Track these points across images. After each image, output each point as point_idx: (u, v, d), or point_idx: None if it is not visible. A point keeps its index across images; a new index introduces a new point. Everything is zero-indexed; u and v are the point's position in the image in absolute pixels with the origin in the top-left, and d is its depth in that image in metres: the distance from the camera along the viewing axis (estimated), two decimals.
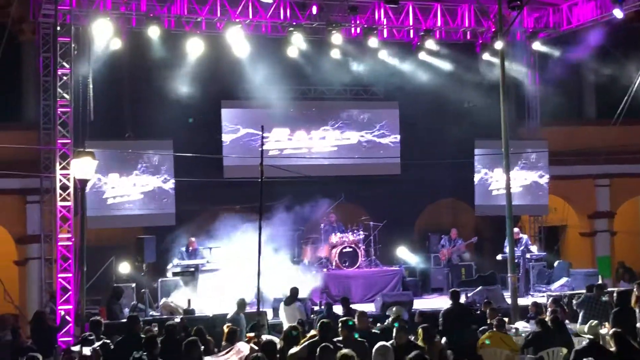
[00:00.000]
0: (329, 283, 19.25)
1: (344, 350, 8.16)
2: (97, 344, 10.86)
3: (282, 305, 15.59)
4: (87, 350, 10.42)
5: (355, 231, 20.37)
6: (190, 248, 18.08)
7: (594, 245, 23.46)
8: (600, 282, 17.38)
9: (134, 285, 18.29)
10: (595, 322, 12.47)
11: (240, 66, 19.64)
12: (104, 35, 17.67)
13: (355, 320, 11.95)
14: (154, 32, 17.90)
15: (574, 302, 14.80)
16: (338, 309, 15.03)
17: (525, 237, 20.41)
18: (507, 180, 16.03)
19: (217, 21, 18.72)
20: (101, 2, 17.61)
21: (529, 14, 21.02)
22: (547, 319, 12.39)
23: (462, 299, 17.73)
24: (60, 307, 16.00)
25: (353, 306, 14.93)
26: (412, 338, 10.81)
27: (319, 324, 11.25)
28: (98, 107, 17.22)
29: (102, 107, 17.83)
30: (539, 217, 22.89)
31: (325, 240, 20.35)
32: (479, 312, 14.78)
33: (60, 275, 16.18)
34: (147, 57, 18.96)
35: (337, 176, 20.70)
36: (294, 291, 15.62)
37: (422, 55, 20.67)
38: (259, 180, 11.93)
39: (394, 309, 14.83)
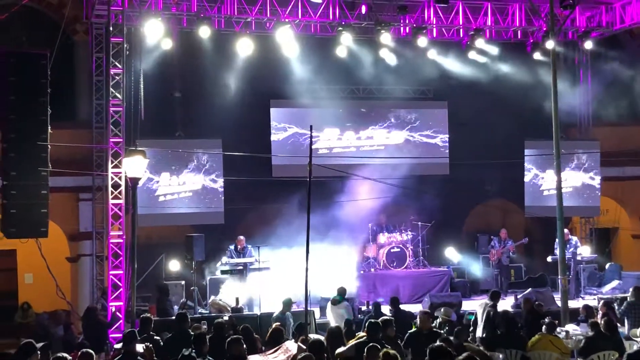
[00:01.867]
0: (376, 283, 19.24)
1: (388, 350, 8.14)
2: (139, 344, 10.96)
3: (329, 304, 15.61)
4: (139, 347, 10.54)
5: (403, 231, 20.31)
6: (239, 246, 18.19)
7: None
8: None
9: (183, 282, 18.49)
10: None
11: (289, 66, 19.71)
12: (155, 36, 17.89)
13: (418, 320, 11.96)
14: (204, 32, 18.07)
15: (617, 308, 14.48)
16: (386, 309, 14.98)
17: (575, 238, 20.12)
18: (558, 181, 15.81)
19: (267, 21, 18.82)
20: (152, 2, 17.84)
21: (581, 12, 20.71)
22: (599, 322, 12.19)
23: (512, 301, 17.64)
24: (111, 304, 16.25)
25: (401, 306, 14.89)
26: None
27: (367, 324, 11.27)
28: (149, 107, 17.44)
29: (153, 106, 18.05)
30: (590, 218, 22.56)
31: (373, 240, 20.32)
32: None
33: (111, 272, 16.43)
34: (198, 56, 19.16)
35: (386, 176, 20.60)
36: (342, 291, 15.64)
37: (472, 55, 20.50)
38: (307, 179, 11.96)
39: (442, 310, 14.74)
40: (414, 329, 11.97)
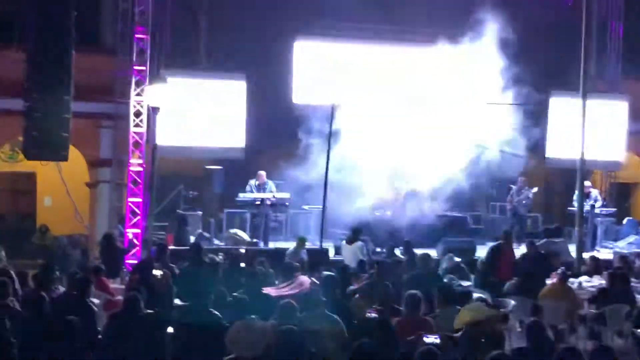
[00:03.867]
0: (392, 225, 19.24)
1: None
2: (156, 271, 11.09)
3: (343, 243, 15.66)
4: (157, 272, 10.69)
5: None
6: (258, 182, 18.13)
7: None
8: None
9: (200, 214, 18.60)
10: None
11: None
12: None
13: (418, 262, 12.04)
14: None
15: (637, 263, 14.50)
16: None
17: (595, 191, 19.99)
18: (582, 134, 15.67)
19: None
20: None
21: None
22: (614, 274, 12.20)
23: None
24: (128, 230, 16.42)
25: (415, 250, 14.93)
26: None
27: (377, 264, 11.39)
28: (175, 36, 17.32)
29: (179, 36, 17.90)
30: (612, 172, 22.38)
31: (390, 182, 20.25)
32: None
33: (130, 199, 16.56)
34: None
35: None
36: (357, 230, 15.64)
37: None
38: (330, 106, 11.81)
39: (447, 256, 14.79)
40: None
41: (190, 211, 18.48)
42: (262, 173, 18.25)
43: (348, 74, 20.69)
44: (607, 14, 21.63)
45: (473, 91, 19.91)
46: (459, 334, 7.83)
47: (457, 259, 14.58)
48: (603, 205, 20.16)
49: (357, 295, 10.66)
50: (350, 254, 15.08)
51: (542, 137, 20.93)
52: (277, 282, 11.93)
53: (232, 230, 18.09)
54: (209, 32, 19.88)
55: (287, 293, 10.66)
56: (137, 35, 16.68)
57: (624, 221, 20.61)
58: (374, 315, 8.95)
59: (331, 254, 16.79)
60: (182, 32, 18.33)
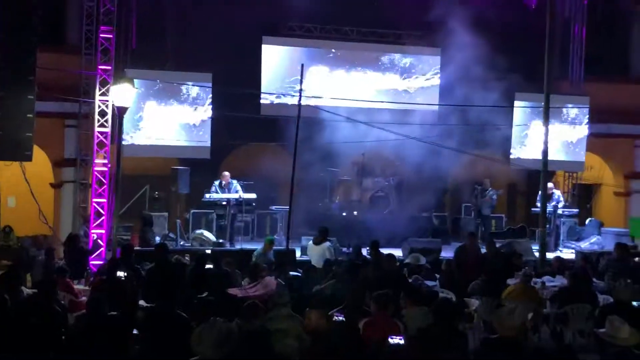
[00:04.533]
0: (359, 225, 19.34)
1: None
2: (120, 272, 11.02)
3: (310, 244, 15.67)
4: (122, 273, 10.62)
5: (388, 176, 20.34)
6: (224, 182, 18.12)
7: (628, 206, 23.23)
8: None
9: (166, 214, 18.54)
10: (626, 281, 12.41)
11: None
12: None
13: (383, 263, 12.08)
14: None
15: (601, 262, 14.69)
16: (366, 253, 15.09)
17: (558, 192, 20.27)
18: (545, 134, 15.87)
19: None
20: None
21: None
22: (576, 274, 12.35)
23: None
24: (93, 231, 16.30)
25: (381, 250, 14.99)
26: None
27: (344, 265, 11.41)
28: (140, 36, 17.22)
29: (145, 35, 17.80)
30: (574, 173, 22.69)
31: (358, 183, 20.38)
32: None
33: (94, 199, 16.45)
34: None
35: (373, 120, 20.53)
36: (324, 231, 15.65)
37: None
38: (296, 118, 11.95)
39: (411, 256, 14.88)
40: None
41: (156, 212, 18.40)
42: (226, 173, 18.25)
43: (315, 75, 20.84)
44: (570, 17, 21.91)
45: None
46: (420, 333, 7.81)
47: (423, 259, 14.66)
48: (566, 206, 20.49)
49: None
50: (317, 255, 15.08)
51: (507, 138, 21.17)
52: (243, 283, 11.93)
53: (199, 231, 18.07)
54: (174, 32, 19.79)
55: (253, 294, 10.66)
56: (102, 35, 16.57)
57: (587, 222, 20.89)
58: (340, 317, 8.96)
59: (298, 254, 16.81)
60: (147, 31, 18.21)
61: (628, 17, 22.16)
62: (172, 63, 19.41)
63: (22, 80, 13.82)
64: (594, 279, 13.15)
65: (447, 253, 17.15)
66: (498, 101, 19.88)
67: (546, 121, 15.87)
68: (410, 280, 12.25)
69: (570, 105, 21.43)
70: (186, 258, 13.65)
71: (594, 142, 22.02)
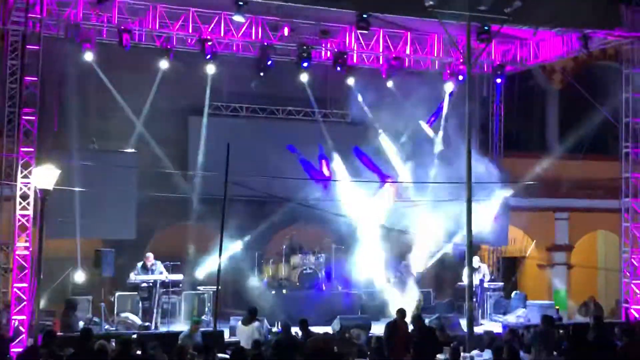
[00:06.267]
0: (288, 304, 19.21)
1: None
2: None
3: (239, 324, 15.48)
4: None
5: (316, 253, 20.39)
6: (148, 264, 17.84)
7: (551, 278, 23.73)
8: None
9: (90, 298, 18.11)
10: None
11: (209, 83, 19.68)
12: (73, 46, 17.58)
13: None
14: (124, 44, 17.85)
15: (526, 336, 14.87)
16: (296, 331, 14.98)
17: (484, 266, 20.59)
18: (468, 209, 16.15)
19: (188, 37, 18.74)
20: (72, 12, 17.53)
21: (496, 47, 21.32)
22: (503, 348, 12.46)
23: None
24: (14, 317, 15.79)
25: (311, 328, 14.91)
26: None
27: (273, 345, 11.29)
28: (64, 118, 17.10)
29: (69, 117, 17.69)
30: (498, 247, 23.10)
31: (286, 261, 20.34)
32: None
33: (15, 285, 15.97)
34: (116, 69, 18.90)
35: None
36: (252, 311, 15.50)
37: (390, 84, 20.85)
38: (222, 198, 11.95)
39: (352, 331, 14.85)
40: None
41: (79, 295, 17.96)
42: (150, 255, 18.04)
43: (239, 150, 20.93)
44: (489, 95, 22.68)
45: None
46: None
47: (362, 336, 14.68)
48: (492, 280, 20.79)
49: None
50: (246, 336, 14.88)
51: None
52: None
53: (124, 314, 17.68)
54: (98, 112, 19.75)
55: None
56: (24, 117, 16.36)
57: (512, 295, 21.20)
58: None
59: (227, 335, 16.56)
60: (71, 112, 18.10)
61: (543, 95, 23.01)
62: (97, 143, 19.28)
63: None
64: (521, 352, 13.28)
65: (377, 330, 17.10)
66: None
67: (469, 196, 16.15)
68: None
69: (491, 181, 21.89)
70: (112, 343, 13.27)
71: (516, 215, 22.52)
